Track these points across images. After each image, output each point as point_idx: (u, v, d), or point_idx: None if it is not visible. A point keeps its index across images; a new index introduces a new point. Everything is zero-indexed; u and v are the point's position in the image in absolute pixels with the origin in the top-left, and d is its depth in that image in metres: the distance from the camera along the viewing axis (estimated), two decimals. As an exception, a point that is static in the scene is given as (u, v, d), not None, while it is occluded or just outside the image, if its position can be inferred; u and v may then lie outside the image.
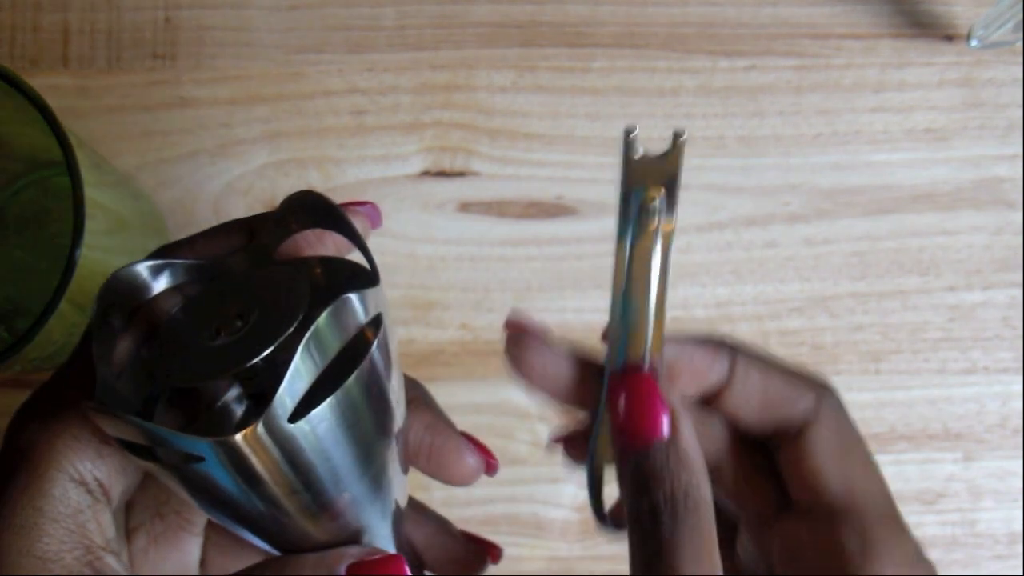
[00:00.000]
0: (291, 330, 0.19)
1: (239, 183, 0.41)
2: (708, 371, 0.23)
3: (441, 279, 0.42)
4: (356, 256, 0.22)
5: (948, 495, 0.42)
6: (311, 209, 0.22)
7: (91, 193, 0.29)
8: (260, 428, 0.18)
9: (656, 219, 0.21)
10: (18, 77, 0.29)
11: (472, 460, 0.25)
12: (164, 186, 0.41)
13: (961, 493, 0.42)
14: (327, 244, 0.23)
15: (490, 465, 0.26)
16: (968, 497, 0.42)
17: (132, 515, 0.22)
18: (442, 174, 0.42)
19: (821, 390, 0.23)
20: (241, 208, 0.41)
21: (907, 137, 0.43)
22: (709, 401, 0.23)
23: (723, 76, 0.42)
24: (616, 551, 0.41)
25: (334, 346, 0.19)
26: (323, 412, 0.19)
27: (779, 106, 0.42)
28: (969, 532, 0.42)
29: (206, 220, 0.41)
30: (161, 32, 0.42)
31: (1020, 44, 0.42)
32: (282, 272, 0.22)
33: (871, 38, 0.43)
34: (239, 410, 0.21)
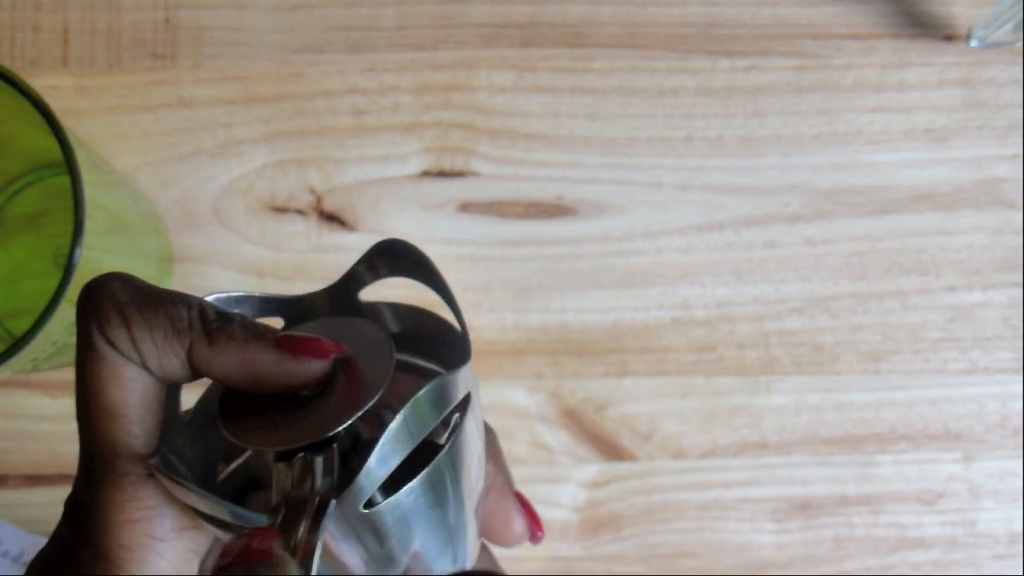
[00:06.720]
0: (375, 399, 0.19)
1: (239, 183, 0.41)
2: None
3: (441, 279, 0.42)
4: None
5: (948, 495, 0.42)
6: (400, 257, 0.22)
7: (91, 193, 0.29)
8: (334, 509, 0.18)
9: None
10: (18, 77, 0.29)
11: (519, 528, 0.24)
12: (164, 186, 0.41)
13: (961, 493, 0.42)
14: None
15: (535, 535, 0.25)
16: (968, 497, 0.42)
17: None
18: (442, 174, 0.42)
19: None
20: (241, 208, 0.41)
21: (907, 137, 0.43)
22: None
23: (723, 76, 0.42)
24: (616, 551, 0.41)
25: (423, 428, 0.19)
26: (401, 497, 0.19)
27: (779, 106, 0.42)
28: (969, 532, 0.42)
29: (206, 220, 0.41)
30: (161, 32, 0.42)
31: (1020, 44, 0.42)
32: (367, 327, 0.21)
33: (871, 38, 0.43)
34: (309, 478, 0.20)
